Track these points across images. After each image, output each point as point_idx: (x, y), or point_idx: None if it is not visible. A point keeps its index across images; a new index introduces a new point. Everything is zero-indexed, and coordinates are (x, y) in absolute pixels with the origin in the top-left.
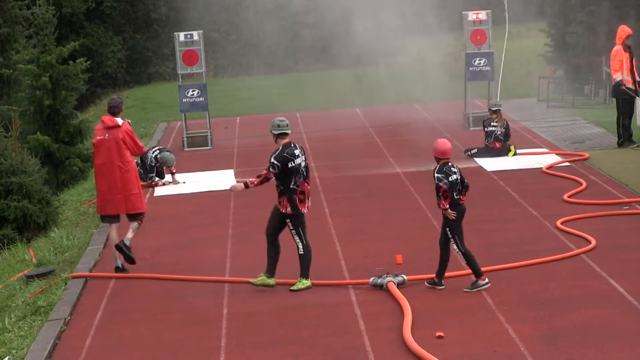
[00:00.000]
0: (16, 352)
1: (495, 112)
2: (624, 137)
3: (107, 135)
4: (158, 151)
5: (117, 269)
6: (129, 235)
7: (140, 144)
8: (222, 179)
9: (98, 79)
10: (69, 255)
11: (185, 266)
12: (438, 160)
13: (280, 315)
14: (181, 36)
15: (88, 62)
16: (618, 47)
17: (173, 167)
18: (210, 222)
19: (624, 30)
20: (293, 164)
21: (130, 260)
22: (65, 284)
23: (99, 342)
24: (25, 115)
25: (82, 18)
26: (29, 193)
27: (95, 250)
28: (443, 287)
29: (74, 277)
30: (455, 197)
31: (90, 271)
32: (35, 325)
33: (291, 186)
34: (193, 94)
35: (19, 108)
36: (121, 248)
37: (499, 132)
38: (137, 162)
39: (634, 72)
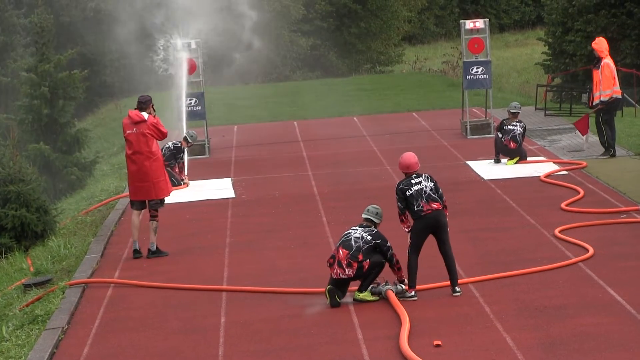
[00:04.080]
0: None
1: (514, 114)
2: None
3: (134, 129)
4: (172, 143)
5: (135, 252)
6: (152, 238)
7: (164, 130)
8: (220, 188)
9: (96, 87)
10: (66, 264)
11: (182, 275)
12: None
13: (278, 323)
14: (178, 44)
15: (86, 71)
16: None
17: (184, 174)
18: (208, 230)
19: None
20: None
21: (162, 255)
22: (63, 292)
23: (96, 350)
24: (23, 124)
25: (80, 26)
26: (26, 202)
27: (93, 259)
28: (415, 298)
29: (71, 285)
30: (416, 209)
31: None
32: (33, 334)
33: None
34: (191, 103)
35: (16, 117)
36: (153, 256)
37: (518, 132)
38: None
39: (593, 86)
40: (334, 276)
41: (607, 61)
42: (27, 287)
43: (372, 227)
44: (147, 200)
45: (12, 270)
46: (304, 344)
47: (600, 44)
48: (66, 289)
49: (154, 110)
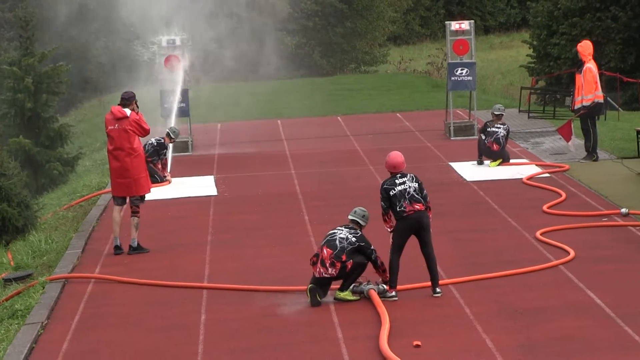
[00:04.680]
0: None
1: (498, 116)
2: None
3: (116, 125)
4: (155, 139)
5: (116, 248)
6: (133, 234)
7: (147, 126)
8: (202, 185)
9: (79, 82)
10: (47, 259)
11: (163, 272)
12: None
13: (258, 321)
14: (163, 41)
15: (69, 66)
16: None
17: (166, 171)
18: (190, 227)
19: None
20: None
21: (143, 252)
22: (43, 287)
23: (76, 346)
24: (5, 118)
25: (64, 21)
26: (8, 196)
27: (74, 255)
28: (395, 298)
29: (52, 280)
30: (398, 209)
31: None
32: (12, 328)
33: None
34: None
35: None
36: (134, 252)
37: (501, 134)
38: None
39: (575, 91)
40: (317, 275)
41: (590, 65)
42: (7, 281)
43: (358, 230)
44: (128, 196)
45: None
46: (284, 342)
47: (585, 47)
48: (46, 283)
49: (137, 107)
